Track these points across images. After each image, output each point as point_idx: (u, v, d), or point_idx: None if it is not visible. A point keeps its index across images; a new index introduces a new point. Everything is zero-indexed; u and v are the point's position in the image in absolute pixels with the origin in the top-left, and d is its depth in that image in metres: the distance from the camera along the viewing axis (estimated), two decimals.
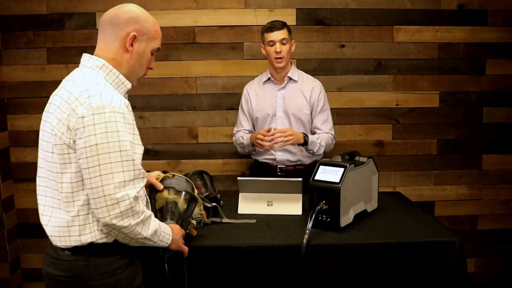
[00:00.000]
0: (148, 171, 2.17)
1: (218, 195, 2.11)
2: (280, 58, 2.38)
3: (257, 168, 2.60)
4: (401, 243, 1.73)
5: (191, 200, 1.65)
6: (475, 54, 2.90)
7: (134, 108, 2.89)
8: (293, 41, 2.46)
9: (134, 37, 1.39)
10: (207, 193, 2.06)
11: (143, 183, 1.36)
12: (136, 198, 1.31)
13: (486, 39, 2.88)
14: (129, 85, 1.44)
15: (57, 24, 2.81)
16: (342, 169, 1.82)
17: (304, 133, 2.40)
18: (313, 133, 2.50)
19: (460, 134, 2.97)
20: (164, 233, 1.44)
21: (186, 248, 1.57)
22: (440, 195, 3.02)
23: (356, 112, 2.94)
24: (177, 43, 2.86)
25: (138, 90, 2.88)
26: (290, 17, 2.81)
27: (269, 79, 2.53)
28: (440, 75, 2.92)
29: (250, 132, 2.57)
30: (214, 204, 1.97)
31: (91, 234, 1.33)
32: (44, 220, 1.39)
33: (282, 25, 2.37)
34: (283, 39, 2.36)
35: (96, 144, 1.25)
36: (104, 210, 1.27)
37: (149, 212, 1.38)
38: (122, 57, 1.40)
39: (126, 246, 1.38)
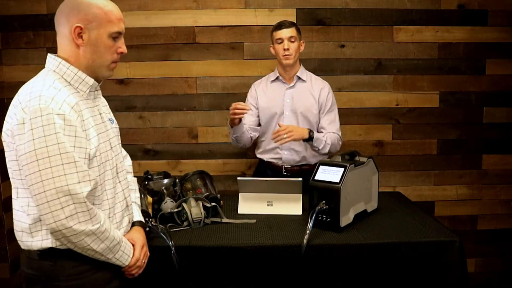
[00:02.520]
0: (148, 172, 2.17)
1: (218, 195, 2.10)
2: (288, 55, 2.39)
3: (261, 167, 2.60)
4: (401, 243, 1.73)
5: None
6: (475, 54, 2.90)
7: (134, 108, 2.93)
8: (302, 41, 2.47)
9: (80, 29, 1.28)
10: (207, 193, 2.07)
11: (90, 186, 1.27)
12: (83, 201, 1.24)
13: (486, 39, 2.88)
14: (90, 81, 1.35)
15: None
16: (342, 169, 1.82)
17: (309, 129, 2.36)
18: (319, 133, 2.50)
19: (460, 134, 2.97)
20: (123, 252, 1.38)
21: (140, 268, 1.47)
22: (440, 195, 3.02)
23: (356, 112, 2.94)
24: (177, 43, 2.86)
25: (138, 90, 2.88)
26: (290, 17, 2.80)
27: (277, 78, 2.53)
28: (440, 75, 2.92)
29: (250, 126, 2.49)
30: (214, 204, 1.97)
31: (52, 240, 1.29)
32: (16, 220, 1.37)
33: (290, 24, 2.41)
34: (291, 37, 2.38)
35: (35, 150, 1.20)
36: (49, 216, 1.22)
37: (103, 222, 1.29)
38: (77, 53, 1.32)
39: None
